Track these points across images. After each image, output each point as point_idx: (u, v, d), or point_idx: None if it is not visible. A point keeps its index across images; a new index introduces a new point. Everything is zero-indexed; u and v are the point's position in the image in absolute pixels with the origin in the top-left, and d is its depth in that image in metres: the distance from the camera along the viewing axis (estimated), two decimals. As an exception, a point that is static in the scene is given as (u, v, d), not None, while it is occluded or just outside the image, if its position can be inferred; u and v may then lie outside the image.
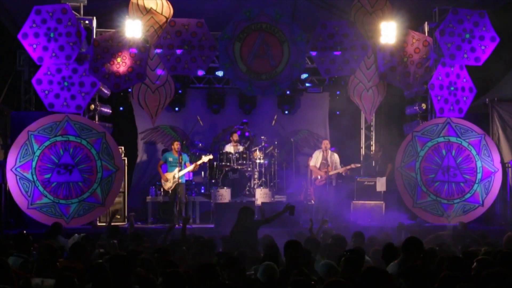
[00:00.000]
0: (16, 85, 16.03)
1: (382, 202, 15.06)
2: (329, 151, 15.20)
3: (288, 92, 17.34)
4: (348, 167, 15.18)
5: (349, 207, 14.98)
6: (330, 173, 14.97)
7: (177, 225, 14.00)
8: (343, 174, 15.24)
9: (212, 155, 15.69)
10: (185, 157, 14.96)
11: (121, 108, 16.69)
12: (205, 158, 15.17)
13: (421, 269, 5.61)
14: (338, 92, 17.65)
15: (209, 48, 14.43)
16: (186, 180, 15.11)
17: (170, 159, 14.78)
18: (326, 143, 15.29)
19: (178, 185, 14.55)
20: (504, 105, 15.52)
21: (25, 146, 13.64)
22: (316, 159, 15.20)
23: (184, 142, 16.33)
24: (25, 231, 9.95)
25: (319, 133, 18.16)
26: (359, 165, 15.54)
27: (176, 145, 14.74)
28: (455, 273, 5.84)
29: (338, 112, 18.03)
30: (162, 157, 15.24)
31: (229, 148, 16.03)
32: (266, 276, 6.04)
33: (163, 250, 7.62)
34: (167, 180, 14.64)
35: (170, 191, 14.65)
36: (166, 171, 14.78)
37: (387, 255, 7.17)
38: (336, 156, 15.24)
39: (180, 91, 17.08)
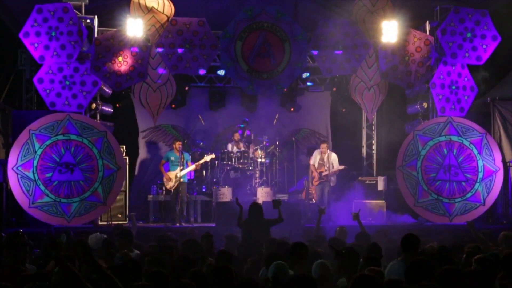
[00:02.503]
0: (18, 84, 16.03)
1: (383, 201, 15.07)
2: (328, 152, 15.27)
3: (285, 90, 17.24)
4: (335, 168, 15.26)
5: (350, 207, 14.97)
6: (323, 174, 15.13)
7: (178, 224, 14.09)
8: (336, 174, 15.37)
9: (214, 153, 15.70)
10: (186, 156, 14.96)
11: (117, 105, 16.59)
12: (207, 157, 15.20)
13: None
14: (334, 89, 17.57)
15: (211, 47, 14.43)
16: (188, 179, 15.13)
17: (172, 158, 14.79)
18: (323, 147, 15.45)
19: (180, 184, 14.55)
20: (506, 104, 15.52)
21: (27, 145, 13.64)
22: (315, 159, 15.42)
23: (185, 141, 16.30)
24: (21, 230, 9.96)
25: (320, 132, 18.13)
26: (344, 166, 15.53)
27: (178, 145, 14.74)
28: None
29: (343, 109, 17.97)
30: (164, 156, 15.24)
31: (231, 147, 16.04)
32: (318, 273, 6.04)
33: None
34: (169, 179, 14.66)
35: (172, 190, 14.66)
36: (168, 170, 14.79)
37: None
38: (334, 156, 15.33)
39: (186, 88, 17.01)
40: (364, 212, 14.72)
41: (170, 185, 14.65)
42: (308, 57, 15.47)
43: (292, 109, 17.74)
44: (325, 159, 15.18)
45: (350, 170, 16.09)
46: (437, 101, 14.76)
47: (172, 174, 14.65)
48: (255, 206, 10.21)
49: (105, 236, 9.60)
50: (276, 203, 10.31)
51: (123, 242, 8.60)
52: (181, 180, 14.57)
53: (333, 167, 15.12)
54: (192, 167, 14.91)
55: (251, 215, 10.04)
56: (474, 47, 14.65)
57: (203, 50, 14.36)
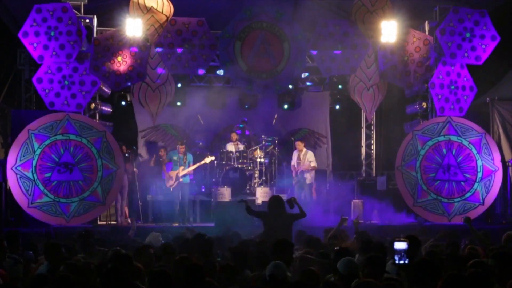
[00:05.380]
0: (17, 84, 16.02)
1: (382, 201, 15.04)
2: (304, 150, 15.32)
3: (291, 86, 17.17)
4: (306, 165, 15.31)
5: (349, 206, 14.98)
6: (297, 169, 15.25)
7: (176, 224, 14.08)
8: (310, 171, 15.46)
9: (213, 154, 15.69)
10: (189, 157, 14.98)
11: (123, 103, 16.55)
12: (207, 159, 15.16)
13: None
14: (340, 87, 17.47)
15: (210, 46, 14.44)
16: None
17: (175, 158, 14.82)
18: (297, 144, 15.50)
19: (181, 184, 14.57)
20: (505, 104, 15.53)
21: (26, 145, 13.64)
22: (293, 159, 15.54)
23: (184, 141, 16.28)
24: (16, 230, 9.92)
25: (319, 131, 18.12)
26: (315, 165, 15.58)
27: (181, 149, 14.80)
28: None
29: (337, 107, 17.90)
30: (167, 156, 15.22)
31: (230, 147, 16.04)
32: (347, 269, 5.99)
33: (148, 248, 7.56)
34: (170, 178, 14.65)
35: (172, 189, 14.65)
36: (171, 170, 14.79)
37: None
38: (309, 154, 15.36)
39: (179, 85, 16.90)
40: (363, 211, 14.81)
41: (170, 183, 14.66)
42: (307, 57, 15.48)
43: (286, 106, 17.56)
44: (301, 157, 15.31)
45: (346, 170, 16.07)
46: (436, 101, 14.76)
47: (173, 173, 14.67)
48: (276, 199, 9.99)
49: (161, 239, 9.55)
50: (290, 203, 9.99)
51: None
52: (181, 180, 14.58)
53: (307, 165, 15.23)
54: (192, 167, 14.90)
55: (272, 208, 9.85)
56: (473, 47, 14.65)
57: (202, 50, 14.37)
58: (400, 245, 4.98)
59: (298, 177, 15.24)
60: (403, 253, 4.96)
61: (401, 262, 4.96)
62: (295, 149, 15.63)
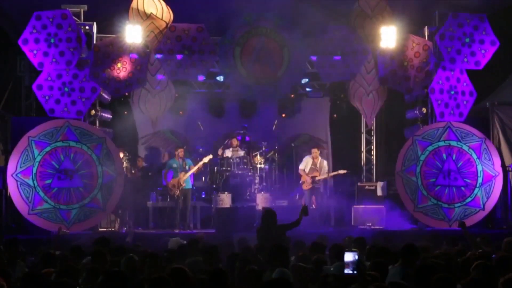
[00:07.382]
0: (17, 91, 16.05)
1: (382, 206, 15.03)
2: (319, 158, 15.20)
3: (292, 96, 17.21)
4: (335, 173, 15.24)
5: (350, 212, 14.97)
6: (317, 178, 14.99)
7: (177, 230, 14.05)
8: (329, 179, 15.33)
9: (213, 159, 15.66)
10: (188, 161, 14.91)
11: (126, 112, 16.60)
12: (205, 159, 15.04)
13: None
14: (340, 93, 17.50)
15: (209, 53, 14.47)
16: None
17: (174, 165, 14.73)
18: (315, 151, 15.26)
19: (183, 190, 14.50)
20: (505, 109, 15.50)
21: (26, 152, 13.65)
22: (306, 164, 15.23)
23: (184, 147, 16.29)
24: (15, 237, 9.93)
25: (320, 137, 18.13)
26: (345, 171, 15.46)
27: (180, 152, 14.71)
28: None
29: (337, 113, 17.94)
30: (167, 165, 15.12)
31: (230, 153, 16.02)
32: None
33: (154, 256, 7.56)
34: (174, 186, 14.55)
35: (176, 197, 14.58)
36: (172, 177, 14.71)
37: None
38: (325, 164, 15.26)
39: (176, 95, 16.93)
40: (363, 217, 14.81)
41: (174, 191, 14.56)
42: (307, 62, 15.49)
43: (283, 115, 17.61)
44: (318, 164, 15.13)
45: (350, 175, 16.05)
46: (436, 106, 14.75)
47: (175, 181, 14.58)
48: (267, 213, 9.99)
49: (185, 242, 9.50)
50: (305, 210, 9.96)
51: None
52: (184, 185, 14.51)
53: (323, 174, 15.05)
54: (193, 170, 14.81)
55: (263, 222, 9.86)
56: (473, 52, 14.64)
57: (202, 56, 14.40)
58: (349, 256, 5.04)
59: (316, 184, 15.02)
60: (350, 264, 5.01)
61: (349, 272, 5.01)
62: (308, 154, 15.38)
